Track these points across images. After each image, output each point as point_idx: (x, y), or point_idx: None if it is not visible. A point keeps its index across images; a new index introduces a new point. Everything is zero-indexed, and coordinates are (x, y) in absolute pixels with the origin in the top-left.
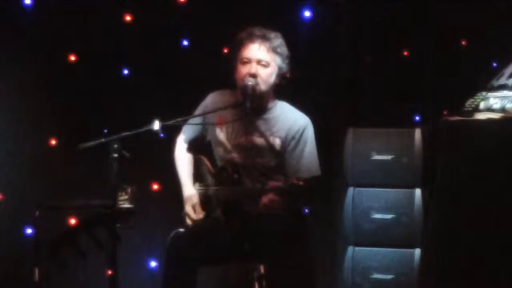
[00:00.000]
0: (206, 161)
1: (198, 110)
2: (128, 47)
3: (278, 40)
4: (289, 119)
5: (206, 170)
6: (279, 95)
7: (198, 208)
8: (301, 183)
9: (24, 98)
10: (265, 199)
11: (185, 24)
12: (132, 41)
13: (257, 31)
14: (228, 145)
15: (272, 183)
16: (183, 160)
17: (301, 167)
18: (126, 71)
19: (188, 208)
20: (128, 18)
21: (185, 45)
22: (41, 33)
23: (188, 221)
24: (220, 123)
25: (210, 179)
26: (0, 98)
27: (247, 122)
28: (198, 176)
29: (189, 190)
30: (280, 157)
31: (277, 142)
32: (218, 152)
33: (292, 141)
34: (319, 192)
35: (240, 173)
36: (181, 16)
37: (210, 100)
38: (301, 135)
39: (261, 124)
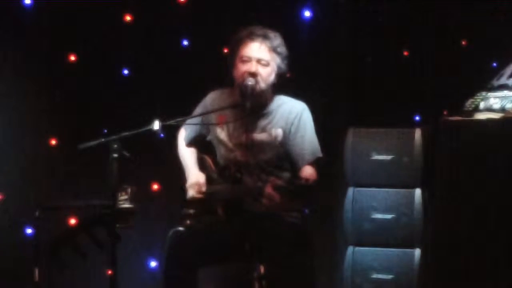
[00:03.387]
0: (209, 160)
1: (198, 109)
2: (128, 47)
3: (278, 40)
4: (286, 108)
5: (208, 169)
6: (277, 94)
7: (204, 186)
8: (303, 182)
9: (24, 98)
10: (265, 193)
11: (185, 24)
12: (132, 41)
13: (258, 30)
14: (230, 144)
15: (273, 180)
16: (186, 151)
17: (305, 151)
18: (126, 71)
19: (193, 184)
20: (128, 18)
21: (185, 45)
22: (41, 33)
23: (191, 193)
24: (220, 123)
25: (212, 178)
26: (0, 98)
27: (248, 121)
28: None
29: (196, 174)
30: (283, 149)
31: (279, 132)
32: (220, 151)
33: (292, 127)
34: (319, 192)
35: (242, 172)
36: (181, 16)
37: (210, 99)
38: (299, 120)
39: (261, 120)
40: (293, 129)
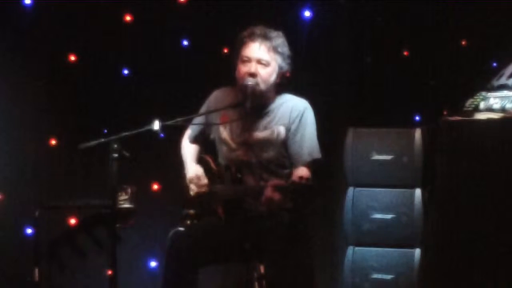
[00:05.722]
0: (209, 160)
1: (203, 107)
2: (128, 47)
3: (279, 40)
4: (288, 106)
5: (209, 169)
6: (280, 93)
7: (204, 179)
8: (303, 181)
9: (24, 98)
10: (265, 195)
11: (185, 24)
12: (132, 41)
13: (258, 30)
14: (232, 143)
15: (273, 181)
16: (188, 149)
17: (303, 151)
18: (126, 71)
19: (192, 178)
20: (128, 18)
21: (185, 45)
22: (41, 33)
23: (193, 188)
24: (223, 122)
25: (212, 178)
26: (0, 98)
27: (250, 120)
28: None
29: (194, 168)
30: (284, 147)
31: (281, 130)
32: (222, 150)
33: (293, 126)
34: (319, 192)
35: (243, 172)
36: (181, 16)
37: (214, 98)
38: (300, 119)
39: (263, 119)
40: (293, 128)
